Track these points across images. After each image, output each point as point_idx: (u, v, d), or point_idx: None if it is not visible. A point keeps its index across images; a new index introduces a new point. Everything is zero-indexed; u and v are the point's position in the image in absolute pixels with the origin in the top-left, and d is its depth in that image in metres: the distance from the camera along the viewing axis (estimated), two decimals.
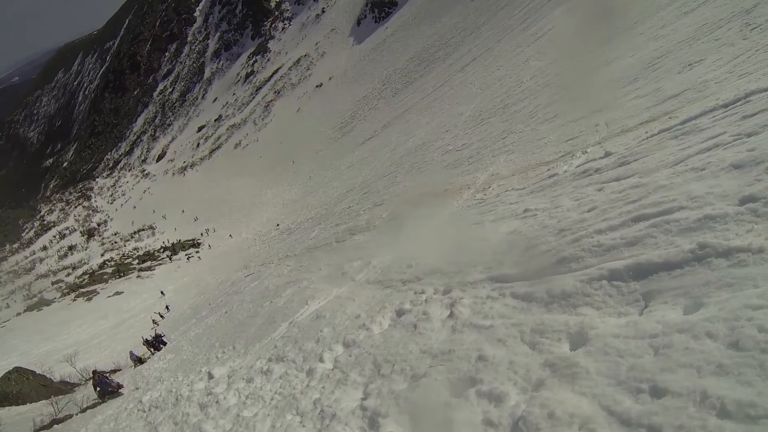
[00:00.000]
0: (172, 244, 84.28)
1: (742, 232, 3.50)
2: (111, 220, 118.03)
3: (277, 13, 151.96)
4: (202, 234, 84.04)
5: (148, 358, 20.24)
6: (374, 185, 25.48)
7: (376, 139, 48.46)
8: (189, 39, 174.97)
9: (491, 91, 24.73)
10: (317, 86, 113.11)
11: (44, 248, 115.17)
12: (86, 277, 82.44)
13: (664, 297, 3.49)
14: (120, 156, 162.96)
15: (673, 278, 3.57)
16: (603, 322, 3.65)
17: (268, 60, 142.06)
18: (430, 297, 6.27)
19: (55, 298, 69.13)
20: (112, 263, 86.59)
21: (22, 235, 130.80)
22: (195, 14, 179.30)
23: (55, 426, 13.18)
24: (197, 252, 71.79)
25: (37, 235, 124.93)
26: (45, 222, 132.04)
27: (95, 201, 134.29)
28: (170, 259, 73.33)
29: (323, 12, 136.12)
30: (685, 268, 3.57)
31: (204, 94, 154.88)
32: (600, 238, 4.67)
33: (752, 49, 8.60)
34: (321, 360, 6.56)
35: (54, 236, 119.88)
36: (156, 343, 21.71)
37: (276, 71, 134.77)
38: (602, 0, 29.89)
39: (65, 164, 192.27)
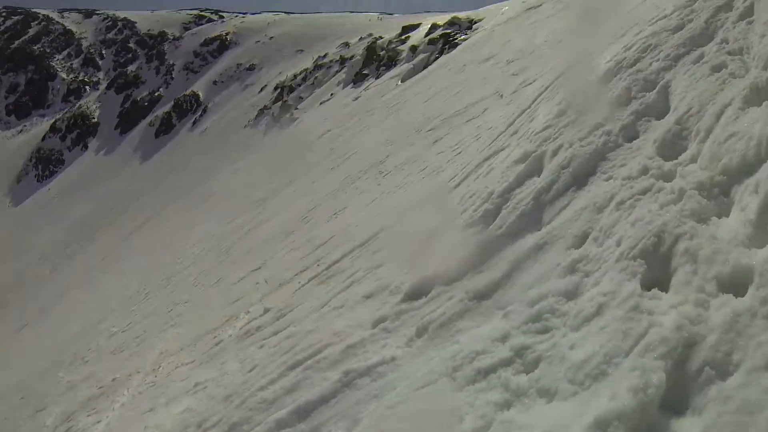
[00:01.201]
0: None
1: (378, 349, 4.05)
2: None
3: None
4: None
5: None
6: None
7: (29, 329, 41.97)
8: None
9: (157, 260, 23.66)
10: None
11: None
12: None
13: (328, 427, 3.70)
14: None
15: (331, 408, 3.84)
16: None
17: None
18: None
19: None
20: None
21: None
22: None
23: None
24: None
25: None
26: None
27: None
28: None
29: None
30: (338, 395, 3.89)
31: None
32: (263, 395, 4.72)
33: (383, 193, 9.83)
34: None
35: None
36: None
37: None
38: (266, 160, 32.42)
39: None
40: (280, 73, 66.19)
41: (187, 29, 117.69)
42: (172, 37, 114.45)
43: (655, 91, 5.46)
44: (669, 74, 5.62)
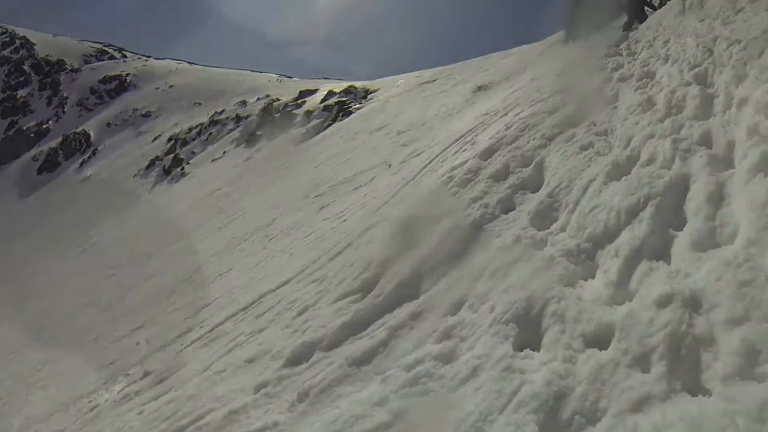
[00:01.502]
0: None
1: (261, 414, 3.92)
2: None
3: None
4: None
5: None
6: None
7: None
8: None
9: (25, 311, 22.06)
10: None
11: None
12: None
13: None
14: None
15: None
16: None
17: None
18: None
19: None
20: None
21: None
22: None
23: None
24: None
25: None
26: None
27: None
28: None
29: None
30: None
31: None
32: None
33: (269, 257, 10.17)
34: None
35: None
36: None
37: None
38: (153, 214, 31.34)
39: None
40: (175, 124, 64.58)
41: (87, 62, 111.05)
42: (70, 68, 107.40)
43: (531, 166, 5.90)
44: (544, 151, 6.10)
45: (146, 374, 6.03)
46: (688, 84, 5.42)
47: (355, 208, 9.79)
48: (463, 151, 8.81)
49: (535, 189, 5.36)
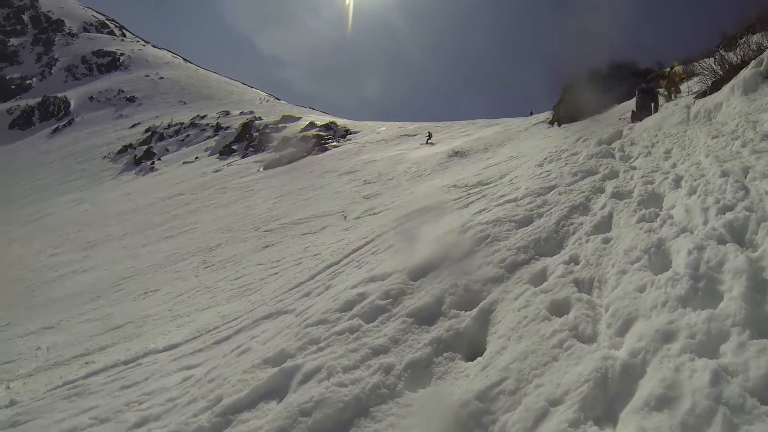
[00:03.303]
0: None
1: None
2: None
3: None
4: None
5: None
6: None
7: None
8: None
9: None
10: None
11: None
12: None
13: None
14: None
15: None
16: None
17: None
18: None
19: None
20: None
21: None
22: None
23: None
24: None
25: None
26: None
27: None
28: None
29: None
30: None
31: None
32: None
33: (195, 289, 9.78)
34: None
35: None
36: None
37: None
38: (110, 203, 30.31)
39: None
40: (157, 116, 63.79)
41: (86, 30, 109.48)
42: (68, 31, 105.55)
43: (473, 313, 4.15)
44: (497, 291, 4.38)
45: (11, 404, 5.41)
46: (723, 241, 3.64)
47: (290, 263, 9.47)
48: (396, 250, 6.94)
49: (470, 355, 3.75)
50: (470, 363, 3.55)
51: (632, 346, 2.91)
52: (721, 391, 2.31)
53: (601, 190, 6.37)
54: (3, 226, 29.75)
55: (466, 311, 4.18)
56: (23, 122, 73.92)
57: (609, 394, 2.72)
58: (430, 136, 30.58)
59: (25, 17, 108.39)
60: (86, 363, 6.62)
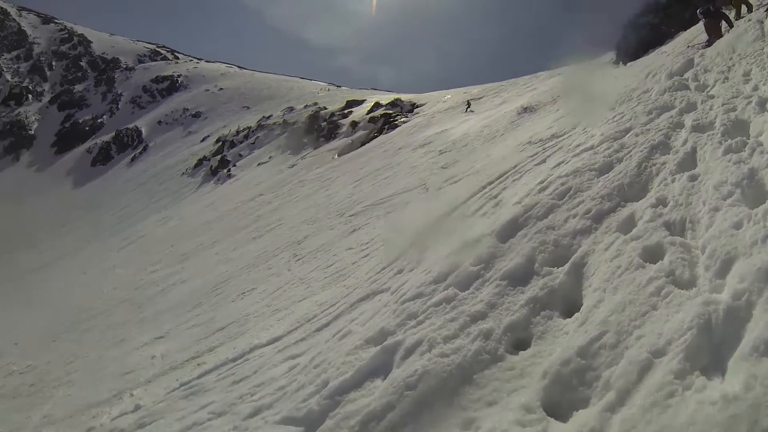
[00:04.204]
0: None
1: None
2: None
3: None
4: None
5: None
6: None
7: None
8: None
9: (71, 298, 22.64)
10: None
11: None
12: None
13: None
14: None
15: None
16: None
17: None
18: None
19: None
20: None
21: None
22: None
23: None
24: None
25: None
26: None
27: None
28: None
29: None
30: None
31: None
32: None
33: (290, 282, 9.94)
34: None
35: None
36: None
37: None
38: (196, 215, 31.76)
39: None
40: (224, 126, 66.31)
41: (141, 61, 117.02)
42: (124, 66, 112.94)
43: (564, 269, 4.05)
44: (586, 243, 4.28)
45: (137, 408, 5.85)
46: None
47: (379, 243, 9.40)
48: (483, 215, 6.92)
49: (567, 311, 3.65)
50: (568, 320, 3.51)
51: (735, 288, 2.73)
52: None
53: (680, 125, 6.15)
54: (103, 253, 31.75)
55: (558, 267, 4.13)
56: (103, 158, 79.16)
57: (714, 342, 2.57)
58: (468, 104, 30.56)
59: (83, 63, 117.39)
60: (198, 364, 6.96)
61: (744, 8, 13.29)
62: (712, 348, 2.53)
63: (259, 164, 41.85)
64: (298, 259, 11.66)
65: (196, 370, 6.48)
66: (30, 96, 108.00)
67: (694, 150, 5.12)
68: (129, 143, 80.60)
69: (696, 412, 2.24)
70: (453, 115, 29.85)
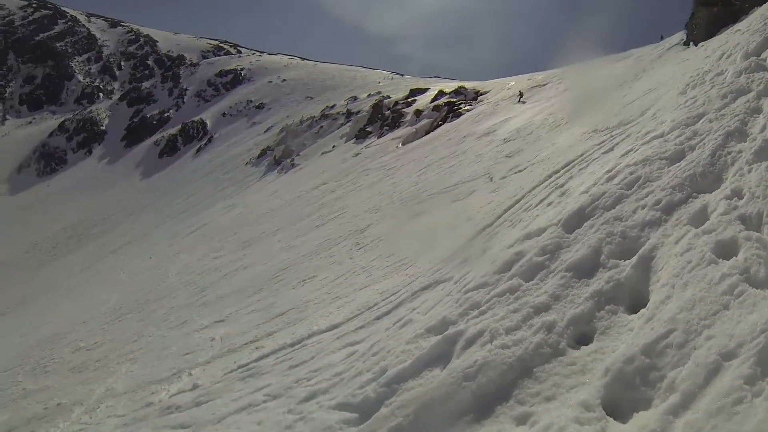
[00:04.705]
0: None
1: None
2: None
3: None
4: None
5: None
6: None
7: (4, 320, 40.87)
8: None
9: (138, 281, 23.52)
10: None
11: None
12: None
13: None
14: None
15: None
16: None
17: None
18: None
19: None
20: None
21: None
22: None
23: None
24: None
25: None
26: None
27: None
28: None
29: None
30: None
31: None
32: None
33: (351, 270, 9.89)
34: None
35: None
36: None
37: None
38: (260, 203, 32.42)
39: None
40: (287, 116, 67.34)
41: (204, 57, 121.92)
42: (189, 62, 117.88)
43: (632, 262, 3.92)
44: (655, 235, 4.12)
45: (194, 387, 6.03)
46: None
47: (445, 229, 9.19)
48: (548, 204, 6.75)
49: (633, 307, 3.54)
50: (633, 315, 3.40)
51: None
52: None
53: (758, 110, 5.72)
54: (169, 240, 32.83)
55: (625, 260, 4.00)
56: (170, 150, 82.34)
57: None
58: (521, 95, 30.11)
59: (150, 62, 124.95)
60: (256, 348, 7.16)
61: None
62: None
63: (322, 153, 42.09)
64: (360, 248, 11.61)
65: (254, 354, 6.65)
66: (101, 94, 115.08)
67: None
68: (195, 135, 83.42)
69: (764, 422, 2.13)
70: (517, 104, 29.28)
